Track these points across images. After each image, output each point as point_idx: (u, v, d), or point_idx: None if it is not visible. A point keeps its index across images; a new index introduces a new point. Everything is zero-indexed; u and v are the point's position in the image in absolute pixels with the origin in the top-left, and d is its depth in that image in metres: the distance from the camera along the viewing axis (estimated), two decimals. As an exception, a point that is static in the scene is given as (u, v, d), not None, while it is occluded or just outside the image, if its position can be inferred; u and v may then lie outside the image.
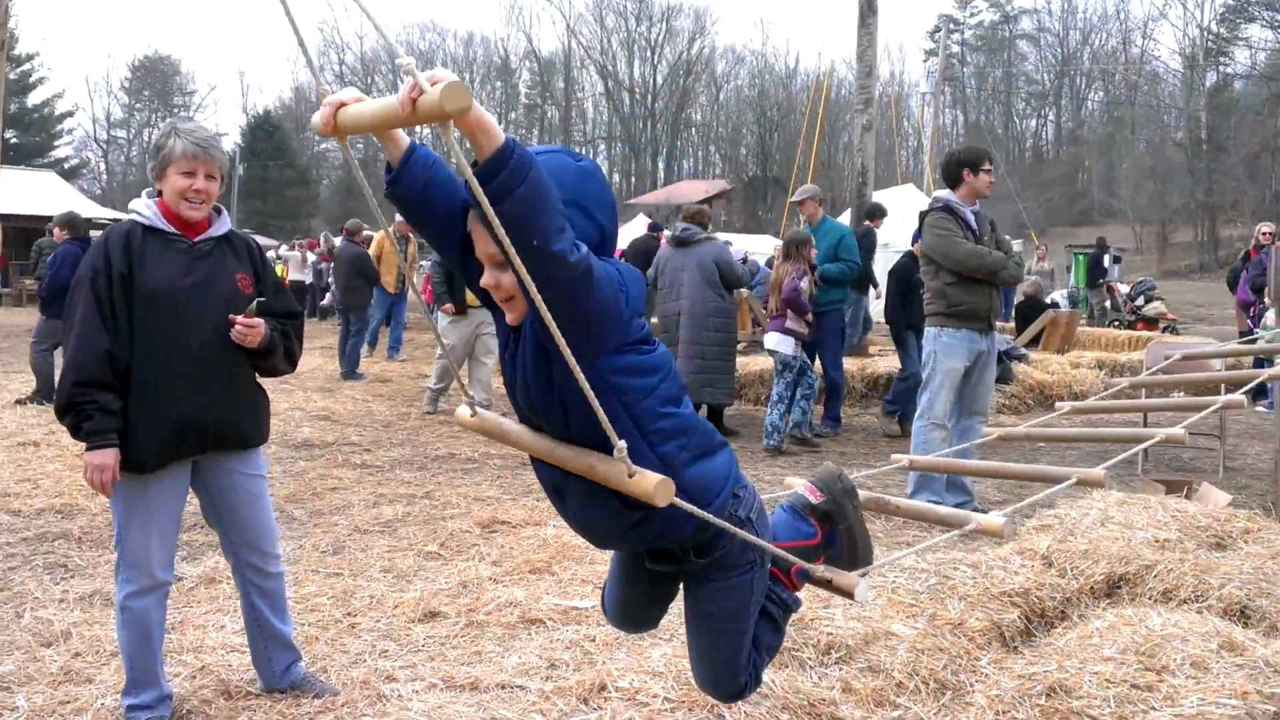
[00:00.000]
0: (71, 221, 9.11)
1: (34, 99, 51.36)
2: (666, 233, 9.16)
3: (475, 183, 1.41)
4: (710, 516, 1.75)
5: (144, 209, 3.04)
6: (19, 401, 8.90)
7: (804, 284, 7.62)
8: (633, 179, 62.31)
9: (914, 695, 2.88)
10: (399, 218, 13.41)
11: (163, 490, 3.09)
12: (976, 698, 2.80)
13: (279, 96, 70.35)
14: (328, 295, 17.05)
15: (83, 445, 2.95)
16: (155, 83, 62.88)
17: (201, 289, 3.00)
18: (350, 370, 11.40)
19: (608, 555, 4.08)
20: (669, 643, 3.53)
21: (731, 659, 2.00)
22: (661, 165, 63.62)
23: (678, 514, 1.72)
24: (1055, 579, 3.68)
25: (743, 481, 1.93)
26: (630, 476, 1.66)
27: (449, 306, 8.66)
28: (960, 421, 5.98)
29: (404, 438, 8.03)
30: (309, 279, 19.68)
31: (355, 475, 6.69)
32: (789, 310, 7.67)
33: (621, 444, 1.64)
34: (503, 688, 3.04)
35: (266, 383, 3.34)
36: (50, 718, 3.13)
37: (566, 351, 1.53)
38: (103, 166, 64.34)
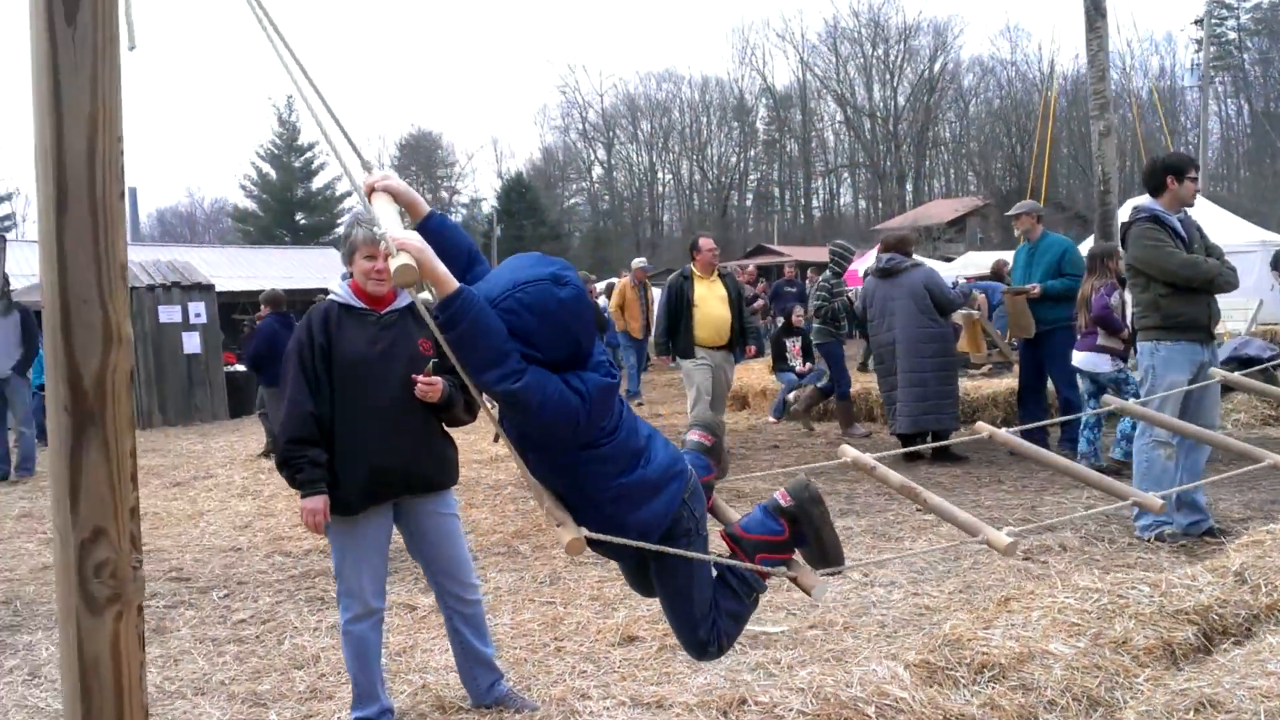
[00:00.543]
0: (273, 299, 10.12)
1: (317, 183, 57.17)
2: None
3: (427, 316, 1.95)
4: (631, 542, 2.22)
5: (339, 290, 3.56)
6: (260, 455, 10.20)
7: (1114, 299, 7.26)
8: (879, 204, 61.20)
9: (1063, 712, 2.86)
10: (638, 264, 14.08)
11: (369, 530, 3.55)
12: (1126, 714, 2.74)
13: (529, 158, 74.57)
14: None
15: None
16: (420, 157, 68.37)
17: (388, 355, 3.46)
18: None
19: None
20: (816, 663, 3.66)
21: (687, 616, 2.42)
22: (910, 188, 62.10)
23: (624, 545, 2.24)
24: (1245, 596, 3.48)
25: (680, 501, 2.34)
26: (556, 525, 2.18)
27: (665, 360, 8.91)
28: (1186, 439, 5.63)
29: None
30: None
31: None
32: (1099, 328, 7.30)
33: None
34: (685, 706, 3.26)
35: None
36: (296, 730, 3.64)
37: (515, 456, 2.15)
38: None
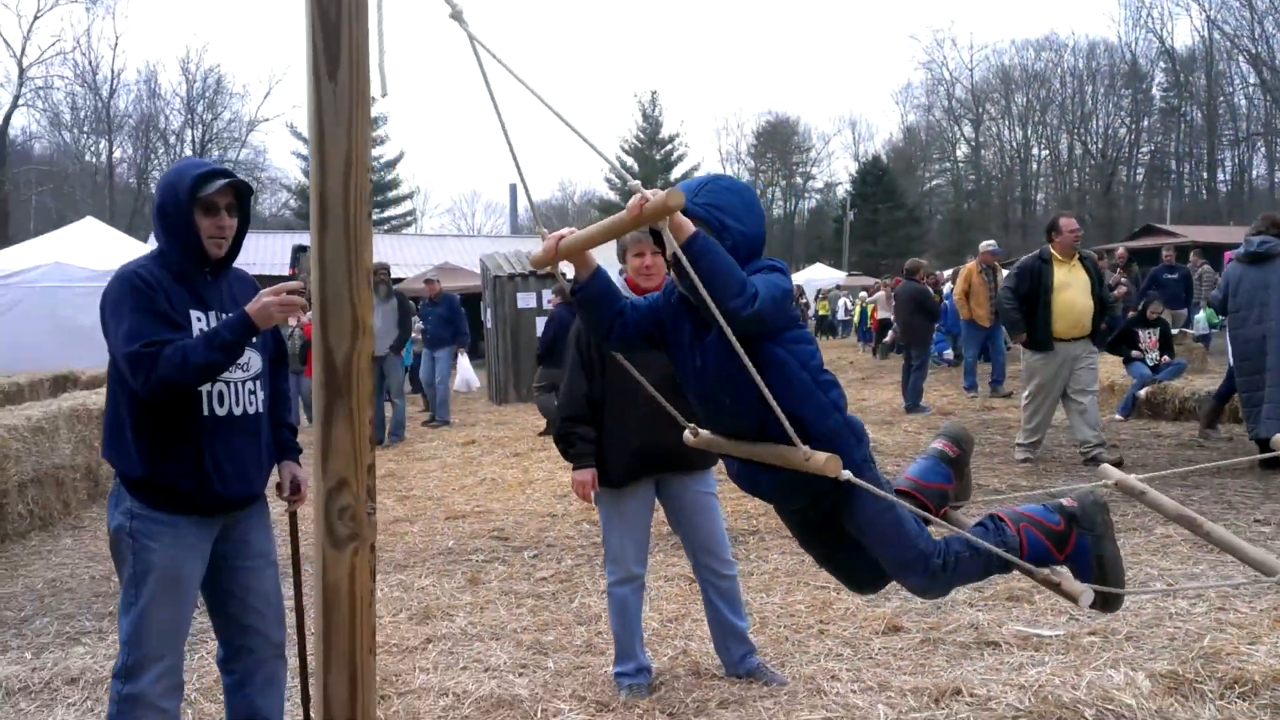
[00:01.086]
0: (562, 290, 10.86)
1: (676, 174, 59.61)
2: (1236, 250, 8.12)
3: (682, 254, 2.10)
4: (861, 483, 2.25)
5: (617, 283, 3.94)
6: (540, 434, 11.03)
7: None
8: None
9: (1308, 739, 2.63)
10: (985, 247, 13.31)
11: (633, 502, 3.92)
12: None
13: (889, 138, 73.02)
14: (890, 332, 17.64)
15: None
16: (777, 144, 69.16)
17: None
18: (913, 403, 11.84)
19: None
20: (1044, 665, 3.54)
21: (903, 543, 2.35)
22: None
23: (847, 442, 2.33)
24: None
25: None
26: (807, 460, 2.19)
27: (1021, 337, 8.13)
28: None
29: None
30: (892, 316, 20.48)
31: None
32: None
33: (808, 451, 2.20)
34: (899, 691, 3.32)
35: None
36: (567, 677, 4.08)
37: (745, 361, 2.12)
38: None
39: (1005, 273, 14.54)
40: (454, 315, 12.62)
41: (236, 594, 2.98)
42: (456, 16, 2.10)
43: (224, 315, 2.84)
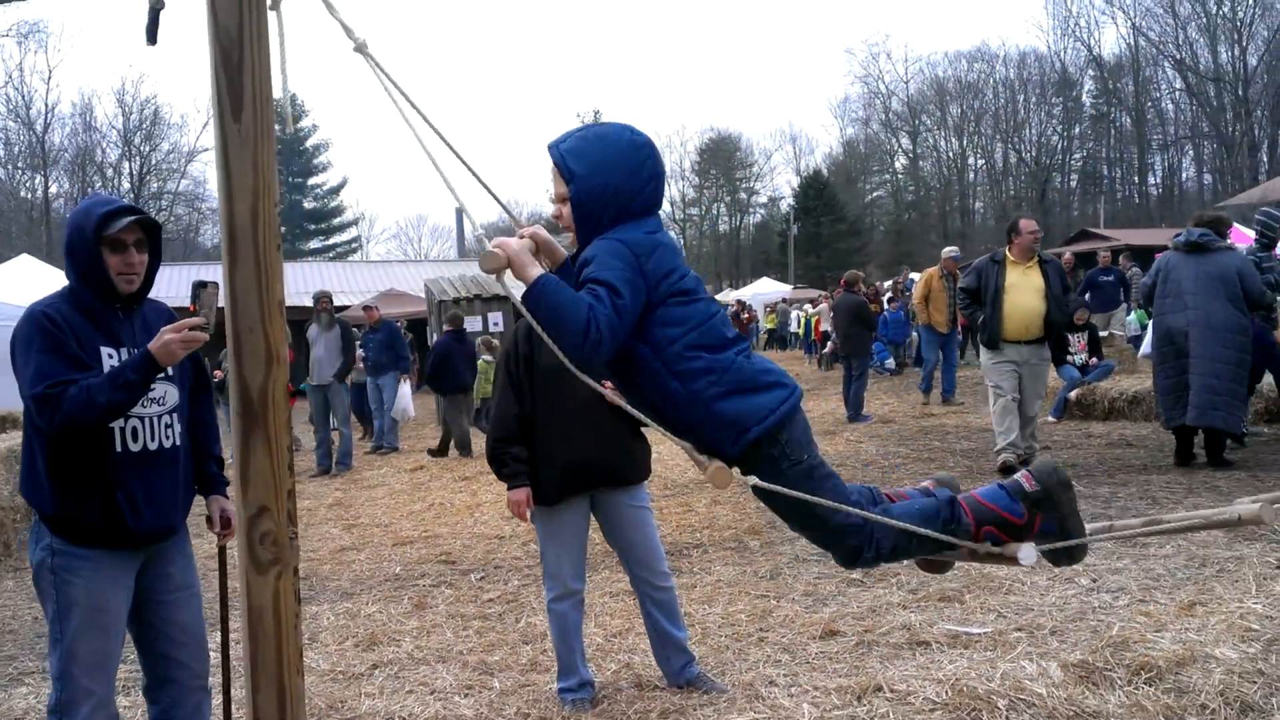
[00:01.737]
0: (454, 319, 12.04)
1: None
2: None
3: (522, 307, 2.08)
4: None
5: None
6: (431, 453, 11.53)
7: None
8: (1227, 177, 55.26)
9: (1212, 715, 2.76)
10: (948, 253, 13.34)
11: (568, 518, 3.99)
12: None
13: (829, 151, 73.97)
14: (829, 344, 17.90)
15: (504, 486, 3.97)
16: (720, 160, 69.74)
17: None
18: (855, 413, 12.03)
19: (1023, 585, 4.73)
20: (963, 656, 3.67)
21: (819, 527, 2.25)
22: (1265, 157, 55.52)
23: (719, 435, 2.16)
24: None
25: (793, 428, 2.20)
26: (703, 468, 2.16)
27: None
28: None
29: (878, 476, 8.45)
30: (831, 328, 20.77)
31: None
32: None
33: (704, 459, 2.15)
34: (824, 691, 3.42)
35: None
36: (512, 695, 4.12)
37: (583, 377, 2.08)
38: (681, 242, 72.57)
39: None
40: (394, 341, 12.62)
41: (158, 626, 3.00)
42: (361, 49, 2.17)
43: (136, 351, 2.86)
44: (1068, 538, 2.32)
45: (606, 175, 2.18)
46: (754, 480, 2.13)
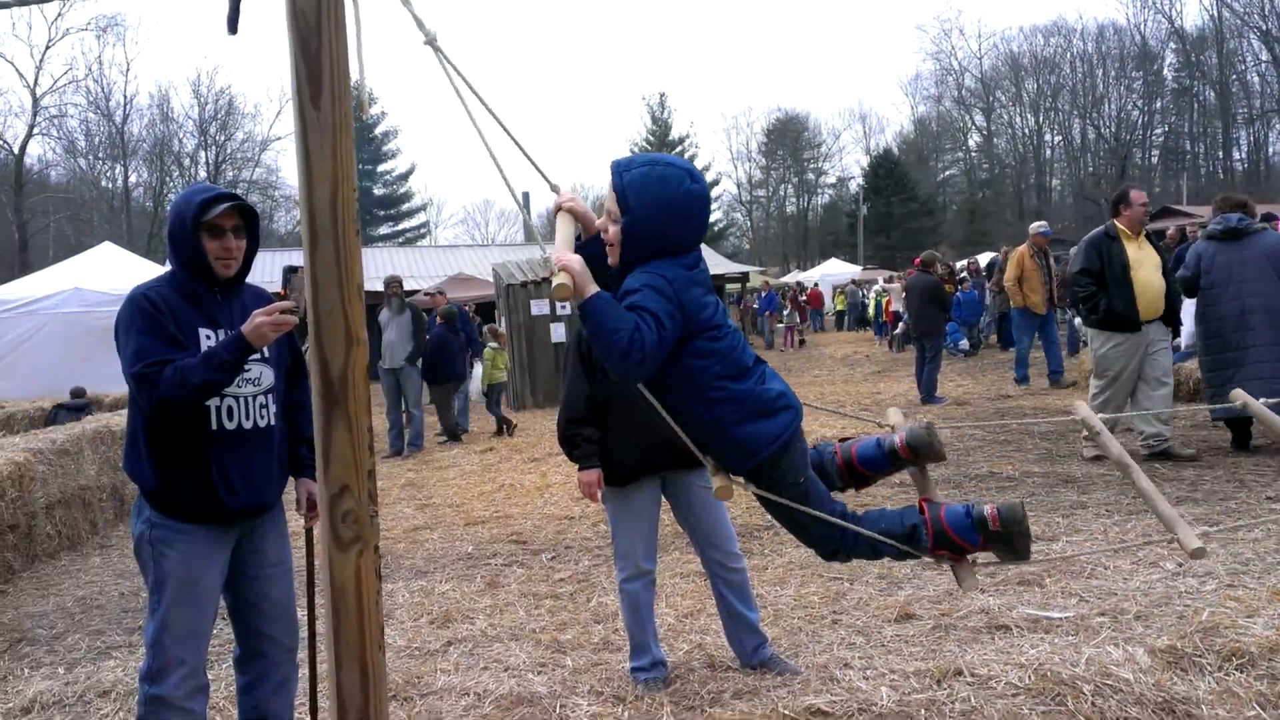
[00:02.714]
0: (448, 314, 12.41)
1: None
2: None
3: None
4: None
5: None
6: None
7: None
8: (1315, 150, 53.25)
9: (1307, 706, 2.67)
10: (1036, 228, 12.82)
11: (639, 499, 4.00)
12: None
13: (899, 130, 72.86)
14: (900, 324, 17.63)
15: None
16: (788, 141, 69.11)
17: None
18: (928, 395, 11.86)
19: (1106, 570, 4.84)
20: (1044, 640, 3.60)
21: (803, 533, 2.54)
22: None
23: (730, 456, 2.44)
24: None
25: (792, 454, 2.44)
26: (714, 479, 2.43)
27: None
28: None
29: (954, 457, 8.32)
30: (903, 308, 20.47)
31: (889, 491, 7.20)
32: None
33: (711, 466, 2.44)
34: (903, 674, 3.38)
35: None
36: (584, 673, 4.15)
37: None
38: (748, 224, 72.17)
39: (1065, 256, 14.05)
40: (464, 325, 12.78)
41: (251, 600, 3.09)
42: (431, 42, 2.19)
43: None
44: (1011, 561, 2.58)
45: (659, 217, 2.36)
46: (752, 488, 2.45)
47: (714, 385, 2.38)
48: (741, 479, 2.45)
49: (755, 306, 25.60)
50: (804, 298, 30.67)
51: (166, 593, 2.86)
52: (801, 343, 25.99)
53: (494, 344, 12.82)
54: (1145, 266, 7.37)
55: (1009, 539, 2.47)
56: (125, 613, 5.70)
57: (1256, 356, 7.14)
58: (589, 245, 2.44)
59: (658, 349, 2.25)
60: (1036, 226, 13.01)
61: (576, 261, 2.25)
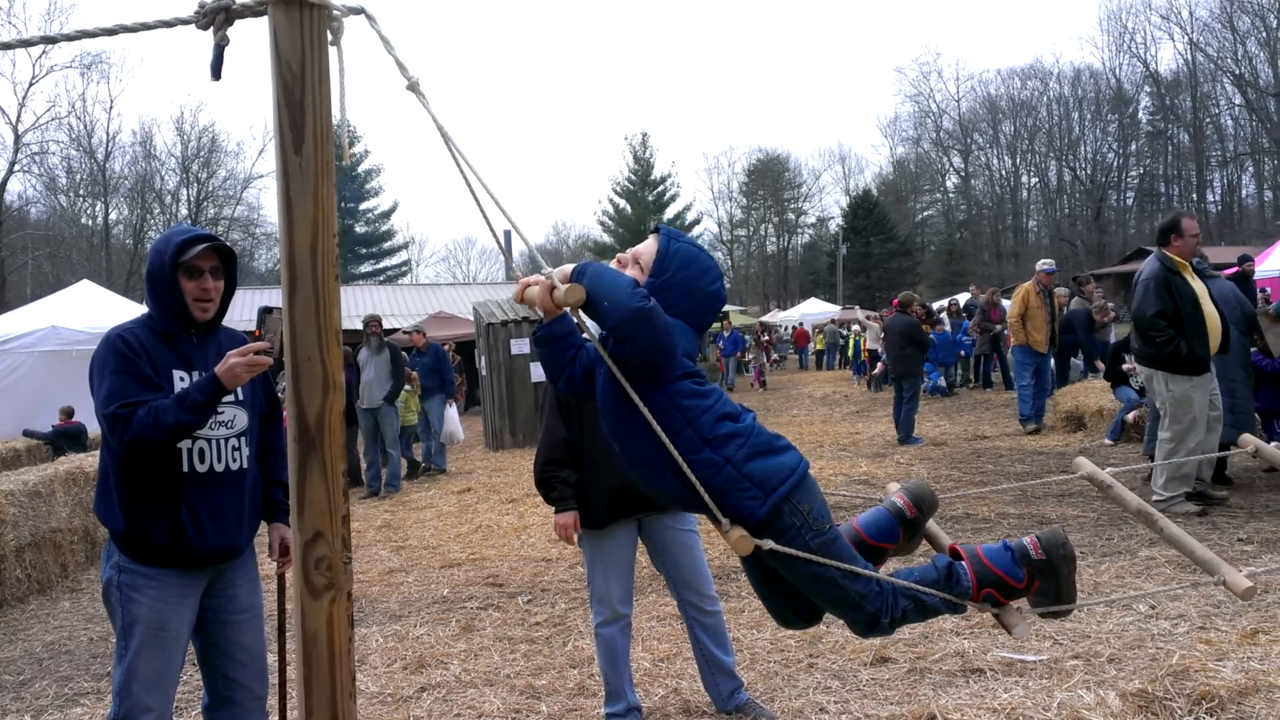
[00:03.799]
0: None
1: (668, 214, 60.16)
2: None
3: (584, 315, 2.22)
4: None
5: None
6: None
7: None
8: (1287, 196, 54.25)
9: (1273, 754, 2.69)
10: (1043, 266, 12.46)
11: (615, 542, 4.00)
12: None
13: (878, 171, 73.63)
14: (879, 364, 17.75)
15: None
16: (768, 181, 69.74)
17: None
18: (906, 435, 11.91)
19: (1079, 612, 4.68)
20: (1018, 684, 3.61)
21: (839, 597, 2.24)
22: (1327, 174, 54.53)
23: (746, 496, 2.21)
24: None
25: (812, 495, 2.26)
26: (725, 532, 2.20)
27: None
28: None
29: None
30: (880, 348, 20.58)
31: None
32: None
33: (726, 522, 2.20)
34: (876, 719, 3.39)
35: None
36: None
37: (629, 389, 2.17)
38: (729, 264, 72.58)
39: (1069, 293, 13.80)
40: (440, 364, 12.74)
41: (221, 647, 3.06)
42: (413, 87, 2.22)
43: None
44: (1059, 603, 2.39)
45: (682, 296, 2.34)
46: (770, 544, 2.19)
47: (715, 425, 2.27)
48: (768, 542, 2.20)
49: (721, 347, 25.49)
50: (766, 338, 30.78)
51: (134, 638, 2.84)
52: (763, 384, 25.78)
53: (407, 387, 12.33)
54: (1206, 300, 6.90)
55: (1054, 568, 2.35)
56: (94, 658, 5.62)
57: (1243, 394, 7.24)
58: (554, 324, 2.38)
59: (661, 311, 2.16)
60: (1043, 264, 12.70)
61: (565, 267, 2.23)
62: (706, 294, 2.38)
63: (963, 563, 2.39)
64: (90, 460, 8.70)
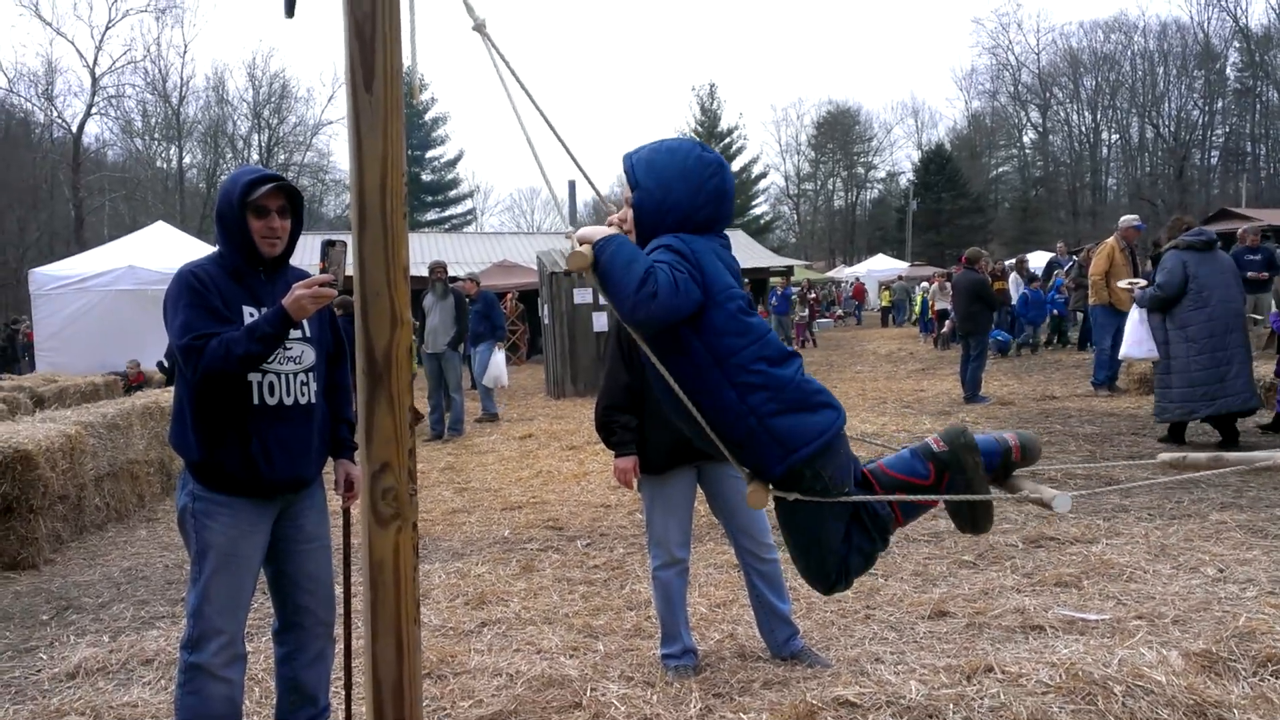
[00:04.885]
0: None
1: (734, 166, 59.60)
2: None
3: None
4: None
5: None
6: None
7: None
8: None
9: (1342, 717, 2.64)
10: (1127, 221, 11.97)
11: (675, 488, 4.03)
12: None
13: (952, 125, 72.05)
14: (948, 322, 17.46)
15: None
16: (838, 134, 68.60)
17: None
18: (972, 394, 11.76)
19: (1145, 574, 4.77)
20: (1079, 641, 3.58)
21: (818, 563, 2.35)
22: None
23: (766, 453, 2.23)
24: None
25: (836, 457, 2.26)
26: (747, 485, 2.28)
27: None
28: None
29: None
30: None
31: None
32: None
33: (746, 473, 2.28)
34: (933, 669, 3.38)
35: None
36: (616, 659, 4.19)
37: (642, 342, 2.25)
38: (795, 218, 71.79)
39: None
40: (491, 310, 12.79)
41: (290, 575, 3.16)
42: (479, 29, 2.22)
43: None
44: (974, 508, 2.37)
45: (668, 187, 2.31)
46: (795, 495, 2.23)
47: (750, 368, 2.21)
48: (792, 493, 2.24)
49: (773, 304, 25.13)
50: (813, 295, 30.45)
51: (208, 564, 2.94)
52: (812, 342, 25.56)
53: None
54: None
55: (958, 458, 2.33)
56: (169, 584, 5.83)
57: (1243, 357, 7.71)
58: None
59: (671, 288, 2.11)
60: (1127, 220, 12.17)
61: (602, 229, 2.24)
62: (691, 169, 2.32)
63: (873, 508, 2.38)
64: (165, 396, 8.97)
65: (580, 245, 2.20)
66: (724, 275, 2.27)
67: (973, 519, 2.39)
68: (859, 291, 36.54)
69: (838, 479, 2.26)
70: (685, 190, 2.31)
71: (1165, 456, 2.90)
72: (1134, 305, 8.45)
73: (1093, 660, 3.03)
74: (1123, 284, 9.97)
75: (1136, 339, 8.45)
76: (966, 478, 2.34)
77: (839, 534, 2.33)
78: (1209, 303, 7.71)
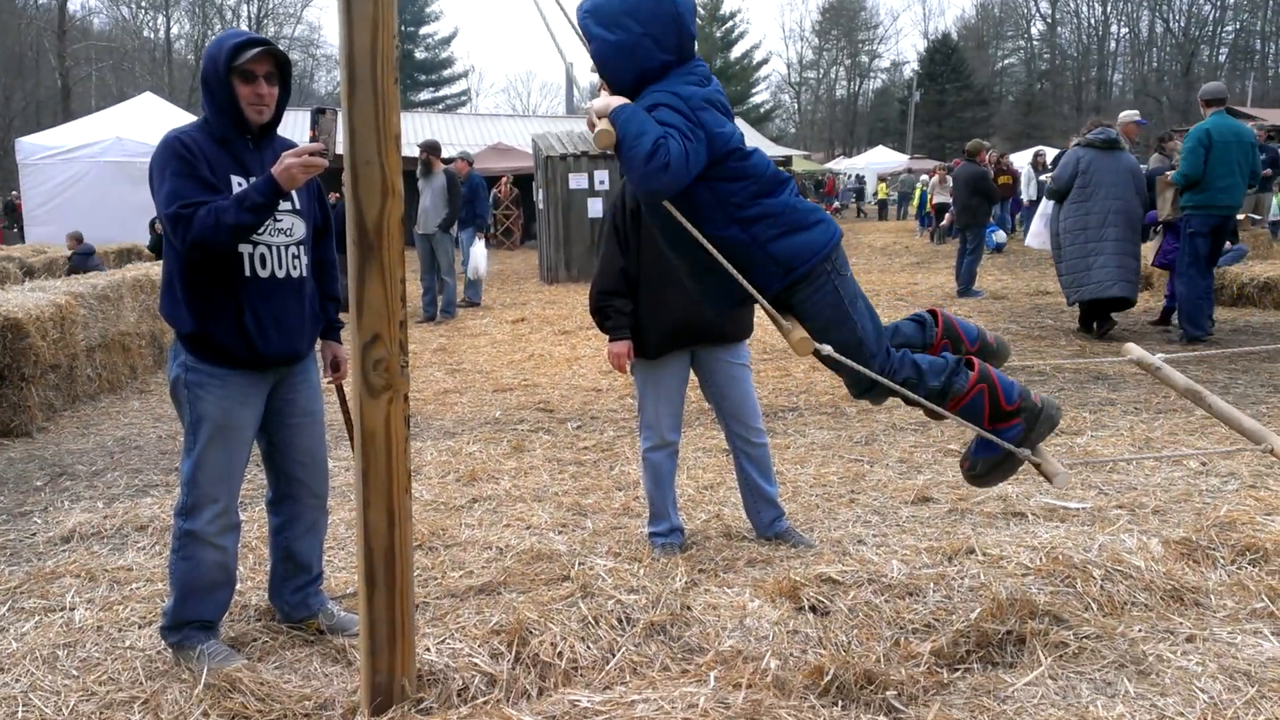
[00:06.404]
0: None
1: (735, 53, 58.18)
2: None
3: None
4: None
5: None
6: None
7: None
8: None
9: (1313, 597, 2.72)
10: (1126, 117, 11.66)
11: (668, 372, 4.03)
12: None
13: (961, 14, 70.26)
14: (946, 215, 17.31)
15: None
16: (843, 21, 66.87)
17: None
18: (965, 288, 11.74)
19: (1127, 465, 4.87)
20: (1060, 528, 3.66)
21: (857, 342, 2.50)
22: None
23: (768, 274, 2.45)
24: None
25: (838, 252, 2.52)
26: (787, 333, 2.45)
27: None
28: None
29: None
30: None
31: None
32: None
33: (787, 324, 2.43)
34: (914, 550, 3.46)
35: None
36: (604, 535, 4.27)
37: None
38: (795, 107, 70.50)
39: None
40: (474, 196, 12.57)
41: (282, 447, 3.18)
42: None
43: None
44: (1012, 451, 2.57)
45: (624, 26, 2.33)
46: (828, 350, 2.43)
47: (748, 204, 2.39)
48: (826, 347, 2.42)
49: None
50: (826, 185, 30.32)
51: (202, 433, 2.95)
52: None
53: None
54: None
55: (1038, 418, 2.54)
56: (163, 454, 5.89)
57: (1113, 250, 8.27)
58: None
59: (683, 160, 2.22)
60: (1128, 115, 11.52)
61: (616, 100, 2.28)
62: (655, 31, 2.34)
63: (969, 373, 2.54)
64: (156, 269, 8.91)
65: (599, 120, 2.23)
66: (722, 124, 2.37)
67: (1005, 462, 2.61)
68: (828, 186, 36.45)
69: (844, 262, 2.52)
70: (639, 25, 2.34)
71: (1135, 353, 2.95)
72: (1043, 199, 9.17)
73: (1073, 545, 3.10)
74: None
75: (1035, 230, 9.34)
76: (1029, 434, 2.54)
77: (859, 312, 2.53)
78: (1090, 198, 8.34)
